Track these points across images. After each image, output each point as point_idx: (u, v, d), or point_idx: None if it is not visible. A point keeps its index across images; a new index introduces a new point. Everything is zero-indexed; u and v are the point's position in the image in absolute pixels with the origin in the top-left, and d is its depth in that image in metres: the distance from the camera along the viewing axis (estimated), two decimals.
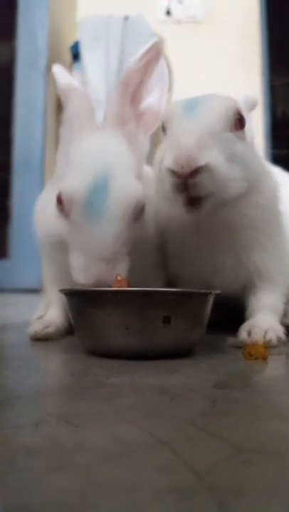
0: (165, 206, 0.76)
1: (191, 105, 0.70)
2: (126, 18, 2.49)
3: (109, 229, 0.65)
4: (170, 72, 2.51)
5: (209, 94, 0.73)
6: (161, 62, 0.81)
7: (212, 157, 0.64)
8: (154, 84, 0.80)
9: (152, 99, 0.81)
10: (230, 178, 0.66)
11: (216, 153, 0.65)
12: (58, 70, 0.82)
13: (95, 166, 0.68)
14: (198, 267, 0.79)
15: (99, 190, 0.66)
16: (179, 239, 0.78)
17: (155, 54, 0.78)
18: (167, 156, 0.65)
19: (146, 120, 0.80)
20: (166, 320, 0.59)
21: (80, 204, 0.66)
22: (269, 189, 0.77)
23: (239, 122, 0.70)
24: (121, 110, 0.76)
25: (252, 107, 0.86)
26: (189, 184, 0.64)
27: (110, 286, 0.64)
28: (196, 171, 0.63)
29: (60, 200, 0.68)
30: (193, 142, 0.64)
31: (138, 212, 0.69)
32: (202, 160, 0.63)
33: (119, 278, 0.65)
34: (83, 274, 0.65)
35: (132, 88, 0.77)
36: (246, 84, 2.71)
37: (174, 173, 0.64)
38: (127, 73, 0.77)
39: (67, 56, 2.55)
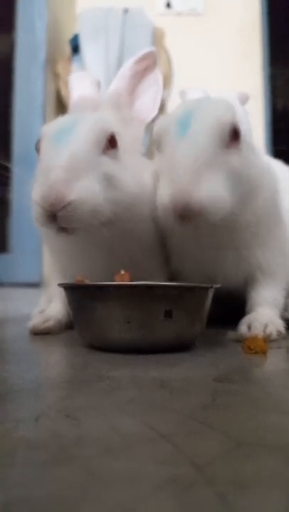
0: None
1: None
2: (126, 11, 2.48)
3: (65, 151, 0.66)
4: (170, 64, 2.50)
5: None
6: (157, 71, 0.84)
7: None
8: (148, 87, 0.83)
9: (146, 99, 0.83)
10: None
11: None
12: (74, 81, 0.86)
13: (69, 117, 0.74)
14: (199, 263, 0.78)
15: (66, 127, 0.70)
16: (178, 236, 0.78)
17: (152, 62, 0.83)
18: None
19: (139, 116, 0.82)
20: (168, 314, 0.59)
21: (47, 138, 0.70)
22: (268, 192, 0.76)
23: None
24: (117, 96, 0.79)
25: (244, 101, 0.85)
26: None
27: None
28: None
29: (37, 148, 0.72)
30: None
31: (103, 142, 0.70)
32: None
33: (122, 272, 0.65)
34: (35, 191, 0.65)
35: (128, 81, 0.81)
36: (247, 76, 2.70)
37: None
38: (125, 68, 0.81)
39: (67, 49, 2.54)
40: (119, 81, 0.81)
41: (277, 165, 0.99)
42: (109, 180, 0.68)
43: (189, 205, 0.62)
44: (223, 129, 0.68)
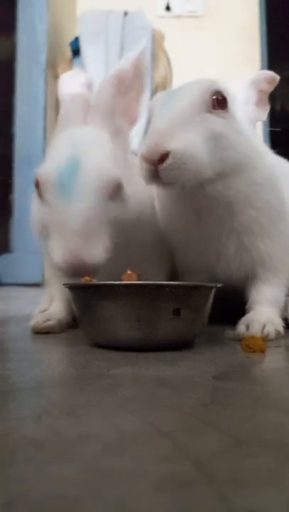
0: (162, 198, 0.78)
1: (170, 94, 0.71)
2: (126, 14, 2.48)
3: (80, 205, 0.66)
4: (170, 67, 2.50)
5: (190, 81, 0.73)
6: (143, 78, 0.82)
7: (180, 143, 0.64)
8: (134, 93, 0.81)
9: (132, 104, 0.81)
10: (203, 162, 0.66)
11: (186, 137, 0.65)
12: (65, 79, 0.83)
13: (68, 150, 0.71)
14: (203, 255, 0.78)
15: (70, 169, 0.68)
16: (181, 230, 0.78)
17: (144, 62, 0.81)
18: (142, 144, 0.67)
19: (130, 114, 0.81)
20: (177, 312, 0.61)
21: (52, 184, 0.68)
22: (264, 167, 0.75)
23: (218, 102, 0.70)
24: (112, 102, 0.78)
25: (270, 82, 0.83)
26: (159, 171, 0.65)
27: (84, 266, 0.65)
28: (163, 157, 0.64)
29: (37, 184, 0.70)
30: (163, 128, 0.65)
31: (112, 190, 0.69)
32: (170, 145, 0.64)
33: (129, 272, 0.66)
34: (59, 253, 0.66)
35: (124, 82, 0.78)
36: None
37: (145, 159, 0.65)
38: (122, 67, 0.78)
39: (68, 51, 2.55)
40: (116, 82, 0.78)
41: (281, 160, 0.98)
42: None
43: (160, 142, 0.64)
44: (203, 94, 0.69)
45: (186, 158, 0.64)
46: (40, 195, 0.70)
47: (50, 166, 0.70)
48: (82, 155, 0.69)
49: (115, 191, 0.70)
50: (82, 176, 0.67)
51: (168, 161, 0.64)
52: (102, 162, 0.70)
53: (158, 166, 0.64)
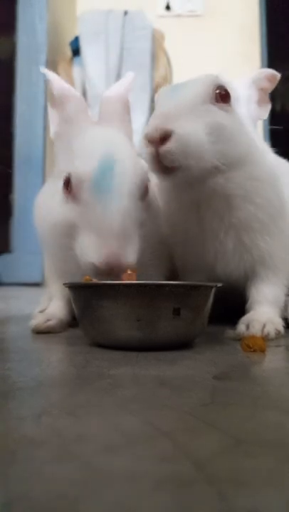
0: (162, 192, 0.79)
1: (174, 88, 0.72)
2: (126, 13, 2.48)
3: (118, 205, 0.67)
4: (170, 66, 2.50)
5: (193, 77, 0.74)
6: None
7: (183, 126, 0.64)
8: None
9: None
10: (204, 149, 0.66)
11: (189, 123, 0.65)
12: (52, 76, 0.82)
13: (100, 150, 0.71)
14: (202, 253, 0.78)
15: (106, 169, 0.68)
16: (180, 224, 0.78)
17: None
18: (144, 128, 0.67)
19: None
20: (176, 312, 0.61)
21: (89, 184, 0.68)
22: (264, 164, 0.76)
23: (221, 96, 0.70)
24: (122, 111, 0.80)
25: (270, 80, 0.84)
26: (160, 153, 0.64)
27: (121, 267, 0.65)
28: (165, 138, 0.64)
29: (67, 184, 0.70)
30: (166, 112, 0.65)
31: (143, 190, 0.71)
32: (171, 126, 0.64)
33: (128, 272, 0.66)
34: (95, 252, 0.66)
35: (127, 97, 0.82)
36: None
37: (147, 139, 0.65)
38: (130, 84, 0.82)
39: (68, 51, 2.55)
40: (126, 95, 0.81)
41: (281, 161, 0.98)
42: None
43: (162, 123, 0.64)
44: (207, 87, 0.69)
45: (189, 141, 0.65)
46: (70, 193, 0.70)
47: (85, 164, 0.69)
48: (117, 154, 0.70)
49: (146, 192, 0.72)
50: (119, 175, 0.68)
51: (170, 144, 0.64)
52: (137, 162, 0.71)
53: (159, 147, 0.64)
